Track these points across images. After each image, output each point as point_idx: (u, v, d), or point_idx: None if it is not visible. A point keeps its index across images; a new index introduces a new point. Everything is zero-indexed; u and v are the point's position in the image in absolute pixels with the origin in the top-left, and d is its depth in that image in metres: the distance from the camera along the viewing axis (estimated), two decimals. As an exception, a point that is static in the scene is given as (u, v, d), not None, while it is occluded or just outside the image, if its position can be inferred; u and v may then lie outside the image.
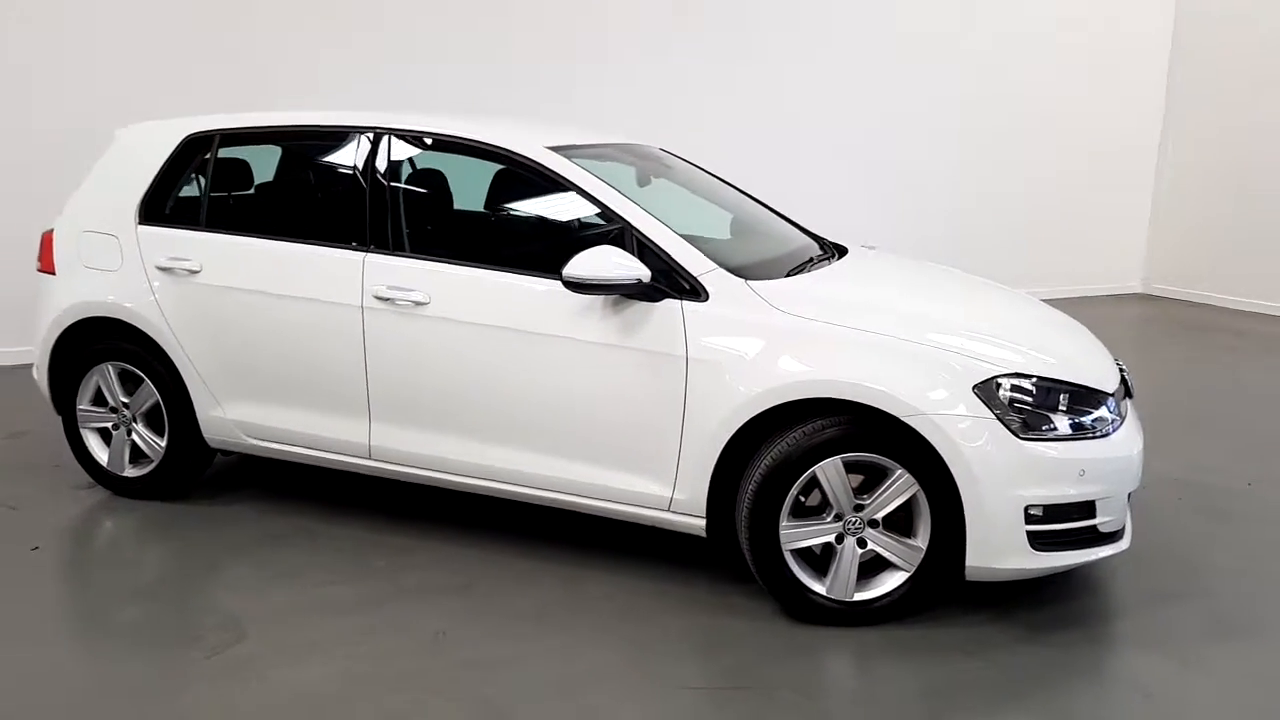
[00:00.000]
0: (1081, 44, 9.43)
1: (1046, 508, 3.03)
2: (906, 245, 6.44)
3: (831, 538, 3.15)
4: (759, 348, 3.14)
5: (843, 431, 3.06)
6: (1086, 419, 3.11)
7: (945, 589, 3.23)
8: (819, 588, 3.17)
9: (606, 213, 3.41)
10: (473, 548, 3.69)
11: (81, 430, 4.16)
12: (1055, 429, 3.05)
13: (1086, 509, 3.08)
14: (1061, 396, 3.10)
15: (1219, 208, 9.45)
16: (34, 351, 4.24)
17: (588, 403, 3.34)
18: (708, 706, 2.76)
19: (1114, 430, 3.16)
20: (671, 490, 3.29)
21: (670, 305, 3.24)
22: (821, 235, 4.33)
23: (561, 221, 3.74)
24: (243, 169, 4.10)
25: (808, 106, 8.34)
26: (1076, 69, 9.46)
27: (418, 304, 3.50)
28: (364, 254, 3.62)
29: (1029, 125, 9.36)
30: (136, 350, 3.99)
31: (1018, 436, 2.99)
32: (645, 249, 3.31)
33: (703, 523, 3.30)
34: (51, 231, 4.21)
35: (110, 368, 4.05)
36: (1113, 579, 3.54)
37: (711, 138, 7.40)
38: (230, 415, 3.89)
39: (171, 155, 4.01)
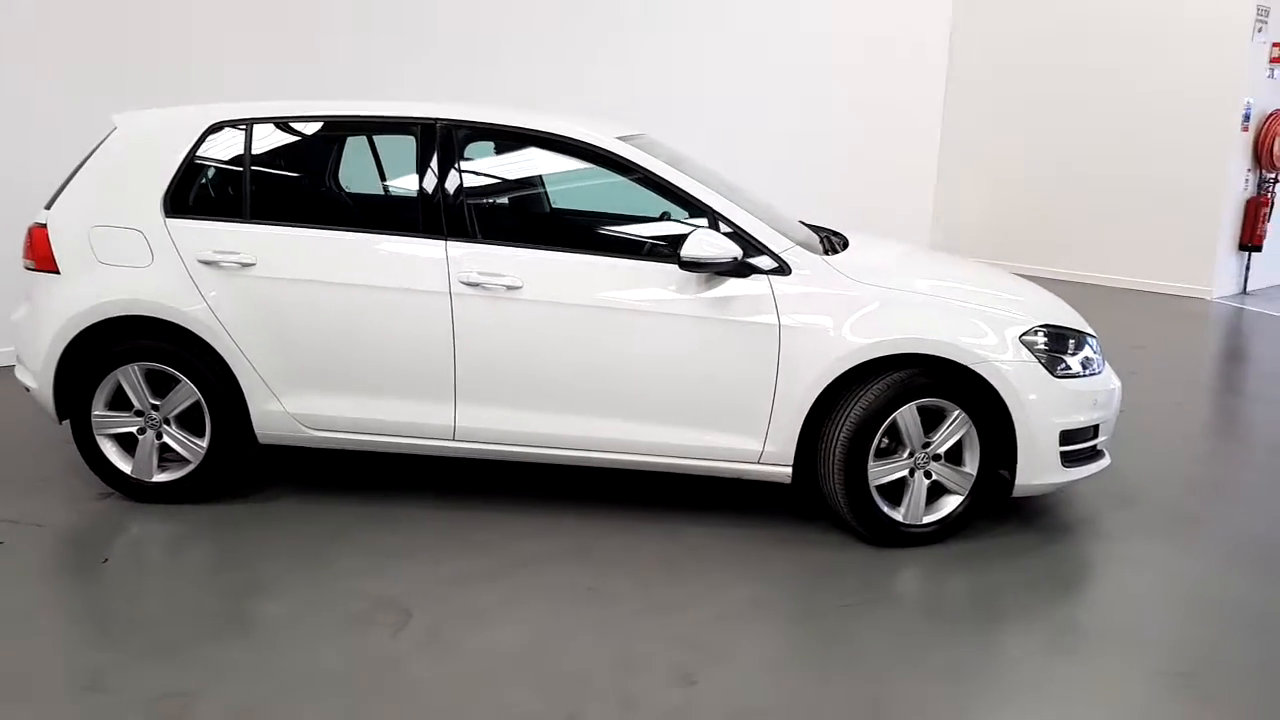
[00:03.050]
0: (869, 30, 10.50)
1: (1071, 432, 3.75)
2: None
3: (905, 472, 3.71)
4: (846, 312, 3.62)
5: (918, 381, 3.62)
6: (1082, 356, 3.85)
7: (981, 508, 3.87)
8: (897, 516, 3.73)
9: (687, 199, 3.75)
10: (559, 515, 3.92)
11: (97, 437, 3.93)
12: (1069, 368, 3.77)
13: (1094, 431, 3.84)
14: (1070, 341, 3.83)
15: (997, 185, 10.99)
16: (30, 355, 3.94)
17: (683, 371, 3.68)
18: (858, 618, 3.24)
19: (1102, 367, 3.94)
20: (762, 444, 3.71)
21: (759, 280, 3.65)
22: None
23: (639, 207, 4.02)
24: (284, 159, 4.03)
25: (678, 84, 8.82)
26: (863, 55, 10.51)
27: (510, 288, 3.67)
28: (444, 241, 3.73)
29: (823, 114, 10.25)
30: (170, 348, 3.83)
31: (1052, 375, 3.68)
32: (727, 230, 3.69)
33: (789, 471, 3.75)
34: (43, 227, 3.93)
35: (135, 369, 3.86)
36: (1082, 490, 4.34)
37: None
38: (290, 409, 3.85)
39: (195, 144, 3.88)
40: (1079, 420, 3.75)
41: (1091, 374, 3.83)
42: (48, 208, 3.98)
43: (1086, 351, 3.88)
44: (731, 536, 3.80)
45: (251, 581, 3.39)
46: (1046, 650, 3.13)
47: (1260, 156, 9.77)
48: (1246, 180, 9.81)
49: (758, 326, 3.64)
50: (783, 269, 3.68)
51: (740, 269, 3.62)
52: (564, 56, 8.07)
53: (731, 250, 3.58)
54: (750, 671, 2.89)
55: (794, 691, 2.81)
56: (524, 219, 4.12)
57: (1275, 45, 9.53)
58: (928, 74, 11.24)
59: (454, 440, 3.83)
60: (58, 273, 3.88)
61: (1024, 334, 3.68)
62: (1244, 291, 10.24)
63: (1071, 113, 10.36)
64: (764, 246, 3.69)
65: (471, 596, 3.29)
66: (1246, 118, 9.48)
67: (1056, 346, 3.77)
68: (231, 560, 3.57)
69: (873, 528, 3.72)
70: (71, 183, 3.98)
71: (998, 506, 3.99)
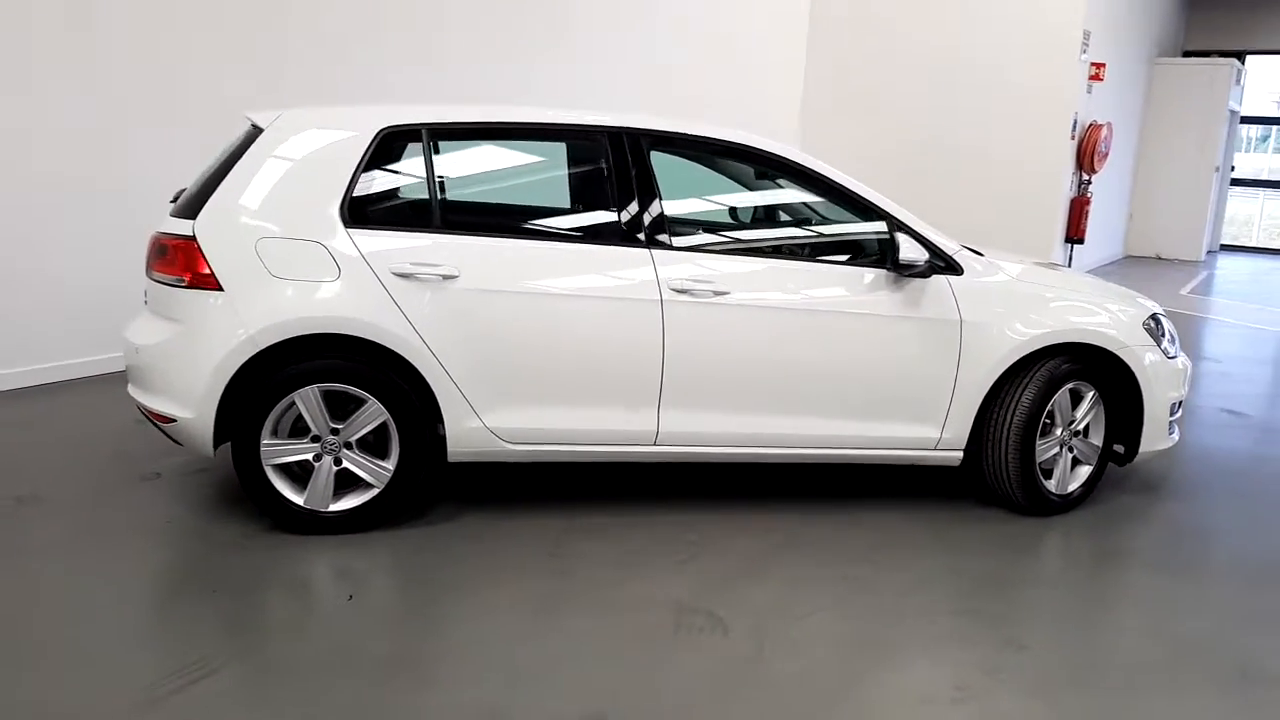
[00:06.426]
0: (732, 48, 11.06)
1: (1173, 404, 4.36)
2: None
3: (1057, 448, 4.17)
4: (1014, 307, 4.02)
5: (1066, 367, 4.08)
6: (1167, 337, 4.46)
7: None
8: (1051, 487, 4.18)
9: (868, 207, 4.00)
10: (750, 511, 4.07)
11: (266, 469, 3.61)
12: (1167, 350, 4.37)
13: (1180, 404, 4.48)
14: (1161, 326, 4.44)
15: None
16: (182, 382, 3.56)
17: (876, 366, 3.94)
18: (1091, 579, 3.65)
19: (1179, 348, 4.58)
20: (940, 432, 4.04)
21: (939, 280, 3.98)
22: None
23: (822, 213, 4.20)
24: (469, 167, 3.85)
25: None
26: (727, 69, 11.05)
27: (717, 294, 3.77)
28: (649, 250, 3.76)
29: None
30: (362, 368, 3.59)
31: (1165, 356, 4.27)
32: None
33: (960, 454, 4.11)
34: (190, 239, 3.55)
35: (314, 391, 3.59)
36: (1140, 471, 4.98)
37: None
38: (490, 424, 3.72)
39: (368, 150, 3.66)
40: (1175, 395, 4.37)
41: (1177, 354, 4.46)
42: (188, 216, 3.60)
43: (1169, 333, 4.51)
44: (910, 520, 4.10)
45: (525, 598, 3.28)
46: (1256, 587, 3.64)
47: (1082, 161, 11.26)
48: (1072, 182, 11.28)
49: (943, 323, 3.96)
50: (956, 269, 4.02)
51: (927, 270, 3.92)
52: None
53: (924, 254, 3.88)
54: (1062, 633, 3.21)
55: (1114, 645, 3.16)
56: (717, 227, 4.20)
57: (1093, 65, 11.01)
58: (788, 60, 11.92)
59: (655, 445, 3.87)
60: (219, 289, 3.53)
61: (1144, 322, 4.25)
62: (1066, 278, 11.74)
63: (929, 114, 11.44)
64: (940, 250, 4.01)
65: (748, 594, 3.38)
66: (1074, 127, 10.90)
67: (1159, 331, 4.37)
68: (472, 581, 3.42)
69: (1034, 499, 4.15)
70: (218, 190, 3.62)
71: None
